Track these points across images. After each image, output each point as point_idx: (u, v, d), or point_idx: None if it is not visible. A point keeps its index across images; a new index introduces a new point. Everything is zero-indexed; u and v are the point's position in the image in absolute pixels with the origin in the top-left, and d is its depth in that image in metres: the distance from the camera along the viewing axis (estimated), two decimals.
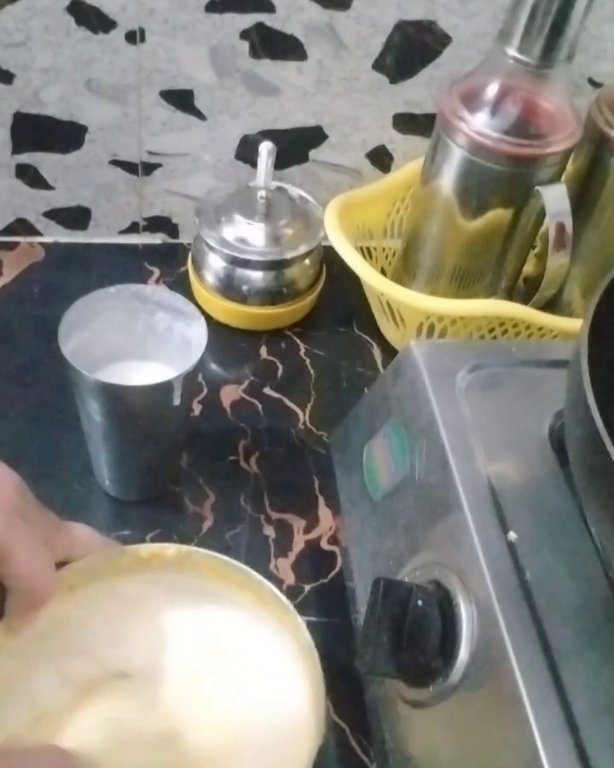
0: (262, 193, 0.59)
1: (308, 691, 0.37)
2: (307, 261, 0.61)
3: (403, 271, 0.62)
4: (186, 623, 0.40)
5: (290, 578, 0.49)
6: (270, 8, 0.55)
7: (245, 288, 0.60)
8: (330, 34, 0.57)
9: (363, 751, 0.43)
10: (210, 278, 0.61)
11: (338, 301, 0.65)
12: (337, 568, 0.49)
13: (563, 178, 0.54)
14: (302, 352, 0.62)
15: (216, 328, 0.62)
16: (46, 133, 0.60)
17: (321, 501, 0.53)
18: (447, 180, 0.54)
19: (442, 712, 0.33)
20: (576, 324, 0.53)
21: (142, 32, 0.55)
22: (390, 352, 0.62)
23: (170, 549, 0.39)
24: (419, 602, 0.34)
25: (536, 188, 0.52)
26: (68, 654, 0.37)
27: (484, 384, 0.40)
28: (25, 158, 0.62)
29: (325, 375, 0.61)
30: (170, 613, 0.40)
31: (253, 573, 0.38)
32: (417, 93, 0.61)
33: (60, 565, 0.38)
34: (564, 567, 0.33)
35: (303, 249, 0.60)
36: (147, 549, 0.39)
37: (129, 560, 0.39)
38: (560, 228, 0.52)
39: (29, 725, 0.35)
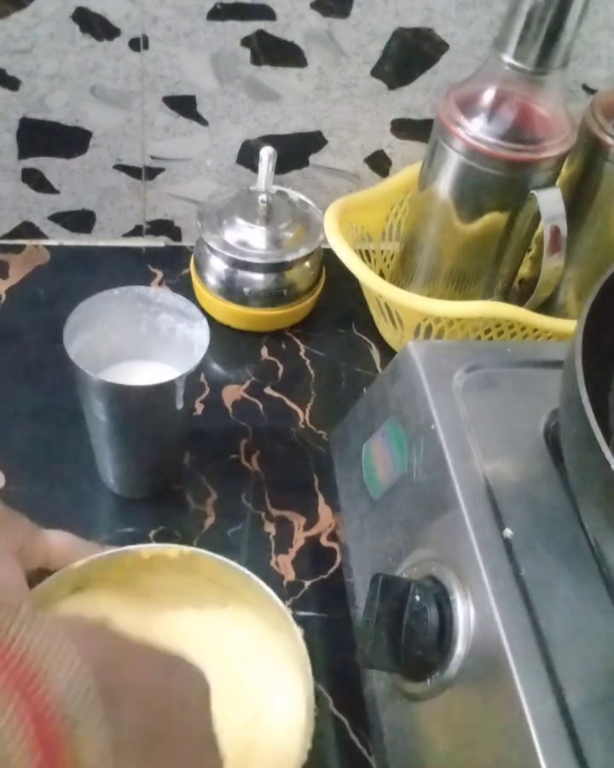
0: (263, 197, 0.60)
1: (300, 706, 0.37)
2: (307, 264, 0.62)
3: (401, 274, 0.62)
4: (186, 624, 0.40)
5: (290, 575, 0.49)
6: (271, 16, 0.56)
7: (246, 289, 0.61)
8: (329, 41, 0.57)
9: (362, 744, 0.43)
10: (212, 280, 0.62)
11: (338, 303, 0.66)
12: (336, 565, 0.50)
13: (558, 182, 0.54)
14: (302, 353, 0.63)
15: (217, 329, 0.62)
16: (51, 138, 0.61)
17: (321, 499, 0.53)
18: (444, 184, 0.54)
19: (439, 705, 0.34)
20: (570, 325, 0.54)
21: (146, 39, 0.56)
22: (388, 352, 0.63)
23: (173, 550, 0.39)
24: (417, 598, 0.34)
25: (532, 192, 0.52)
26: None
27: (481, 384, 0.41)
28: (31, 162, 0.62)
29: (324, 375, 0.61)
30: (171, 613, 0.40)
31: (254, 576, 0.38)
32: (415, 99, 0.61)
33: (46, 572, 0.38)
34: (558, 562, 0.34)
35: (303, 252, 0.60)
36: (149, 549, 0.40)
37: (131, 560, 0.40)
38: (555, 231, 0.53)
39: None
